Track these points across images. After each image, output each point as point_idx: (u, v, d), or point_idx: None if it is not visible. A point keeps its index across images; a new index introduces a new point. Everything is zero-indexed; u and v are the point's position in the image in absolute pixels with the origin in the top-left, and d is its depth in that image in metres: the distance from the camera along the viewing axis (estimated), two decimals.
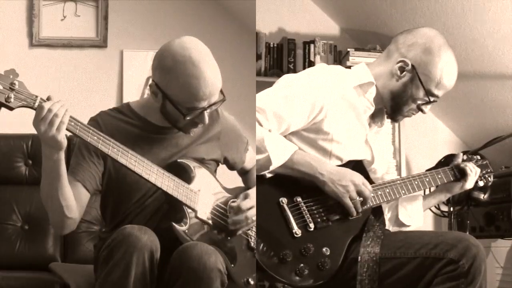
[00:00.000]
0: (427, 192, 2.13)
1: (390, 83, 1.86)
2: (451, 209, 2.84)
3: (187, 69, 1.68)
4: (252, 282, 1.88)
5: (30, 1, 3.35)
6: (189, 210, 1.79)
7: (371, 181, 1.85)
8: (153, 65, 1.76)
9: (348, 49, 3.53)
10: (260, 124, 1.71)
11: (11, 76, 1.50)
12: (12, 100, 1.48)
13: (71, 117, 1.56)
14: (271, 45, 3.54)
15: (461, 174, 2.03)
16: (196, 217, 1.81)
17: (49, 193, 1.64)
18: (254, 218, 1.84)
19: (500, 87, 3.30)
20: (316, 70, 1.86)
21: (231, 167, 2.09)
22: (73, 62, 3.37)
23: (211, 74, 1.70)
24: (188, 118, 1.73)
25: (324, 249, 1.69)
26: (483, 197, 2.41)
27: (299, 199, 1.73)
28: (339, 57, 3.61)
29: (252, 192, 1.86)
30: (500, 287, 3.14)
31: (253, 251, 1.90)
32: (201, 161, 1.90)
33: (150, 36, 3.39)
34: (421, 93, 1.84)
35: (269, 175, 1.72)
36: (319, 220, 1.72)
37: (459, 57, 3.15)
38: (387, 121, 1.98)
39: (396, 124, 3.48)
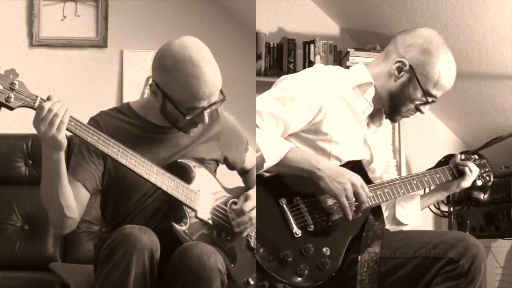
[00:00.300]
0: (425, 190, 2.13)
1: (388, 84, 1.86)
2: (451, 209, 2.84)
3: (187, 69, 1.68)
4: (252, 282, 1.88)
5: (30, 1, 3.36)
6: (189, 210, 1.79)
7: (370, 181, 1.85)
8: (153, 65, 1.76)
9: (348, 49, 3.53)
10: (258, 126, 1.71)
11: (11, 76, 1.50)
12: (12, 100, 1.48)
13: (71, 117, 1.56)
14: (271, 45, 3.54)
15: (460, 174, 2.04)
16: (196, 217, 1.81)
17: (49, 193, 1.64)
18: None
19: (500, 87, 3.30)
20: (314, 71, 1.86)
21: (231, 167, 2.09)
22: (73, 62, 3.37)
23: (211, 74, 1.70)
24: (188, 118, 1.73)
25: (324, 249, 1.70)
26: (483, 197, 2.41)
27: (299, 199, 1.73)
28: (339, 57, 3.61)
29: (253, 192, 1.86)
30: (500, 287, 3.14)
31: (253, 251, 1.90)
32: (201, 161, 1.90)
33: (150, 36, 3.39)
34: (419, 94, 1.83)
35: (267, 175, 1.72)
36: (319, 220, 1.72)
37: (459, 57, 3.17)
38: (387, 121, 1.98)
39: (396, 125, 3.48)
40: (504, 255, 3.16)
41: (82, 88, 3.33)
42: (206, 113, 1.75)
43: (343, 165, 1.81)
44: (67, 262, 2.67)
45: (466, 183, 2.03)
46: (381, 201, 1.83)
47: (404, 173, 3.46)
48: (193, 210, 1.80)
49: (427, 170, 2.02)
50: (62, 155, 1.59)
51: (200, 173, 1.87)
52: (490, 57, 3.16)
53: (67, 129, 1.55)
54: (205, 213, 1.84)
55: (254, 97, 1.77)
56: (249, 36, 3.41)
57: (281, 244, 1.65)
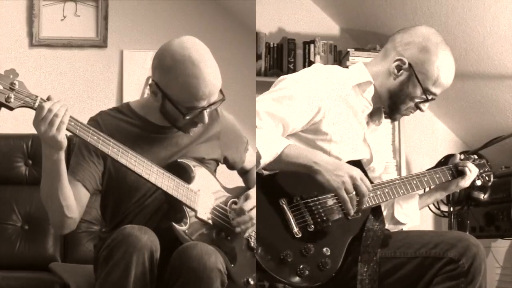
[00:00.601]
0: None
1: (388, 82, 1.86)
2: (451, 209, 2.84)
3: (186, 69, 1.68)
4: (252, 282, 1.88)
5: (30, 1, 3.36)
6: (189, 210, 1.79)
7: (370, 181, 1.84)
8: (153, 64, 1.76)
9: (348, 49, 3.53)
10: (257, 127, 1.71)
11: (11, 76, 1.49)
12: (12, 100, 1.48)
13: (71, 117, 1.56)
14: (271, 45, 3.54)
15: (459, 174, 2.04)
16: (196, 217, 1.81)
17: (49, 193, 1.64)
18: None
19: (500, 87, 3.30)
20: (313, 70, 1.86)
21: (231, 166, 2.09)
22: (73, 62, 3.37)
23: (210, 74, 1.70)
24: (187, 117, 1.73)
25: (324, 249, 1.70)
26: (483, 197, 2.41)
27: (299, 199, 1.73)
28: (339, 57, 3.61)
29: (253, 192, 1.86)
30: (498, 287, 3.14)
31: (253, 251, 1.90)
32: (201, 161, 1.90)
33: (150, 36, 3.39)
34: (418, 92, 1.84)
35: (266, 173, 1.72)
36: (319, 220, 1.72)
37: (459, 57, 3.17)
38: (387, 121, 1.98)
39: (396, 124, 3.48)
40: (504, 255, 3.16)
41: (82, 88, 3.33)
42: (205, 113, 1.75)
43: None
44: (67, 262, 2.67)
45: (465, 183, 2.03)
46: (381, 201, 1.83)
47: (404, 173, 3.46)
48: (193, 210, 1.80)
49: (427, 170, 2.02)
50: (62, 155, 1.59)
51: (200, 173, 1.87)
52: (490, 57, 3.16)
53: (67, 129, 1.55)
54: (205, 213, 1.84)
55: (254, 97, 1.77)
56: (249, 36, 3.41)
57: (281, 244, 1.65)
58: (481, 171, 2.13)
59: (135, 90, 3.40)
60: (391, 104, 1.89)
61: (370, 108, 1.89)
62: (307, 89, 1.77)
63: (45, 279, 2.28)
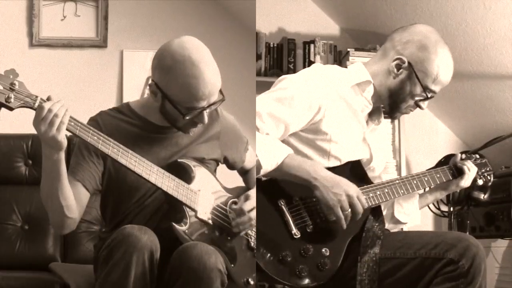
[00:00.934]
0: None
1: (388, 81, 1.87)
2: (451, 209, 2.84)
3: (186, 69, 1.68)
4: (252, 282, 1.88)
5: (30, 1, 3.35)
6: (189, 210, 1.79)
7: (370, 181, 1.85)
8: (153, 64, 1.76)
9: (348, 49, 3.53)
10: (258, 128, 1.71)
11: (11, 76, 1.50)
12: (12, 100, 1.48)
13: (71, 117, 1.56)
14: (271, 45, 3.54)
15: (460, 173, 2.04)
16: (196, 217, 1.81)
17: (49, 193, 1.64)
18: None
19: (500, 87, 3.30)
20: (313, 70, 1.86)
21: (231, 166, 2.09)
22: (73, 62, 3.37)
23: (210, 74, 1.70)
24: (187, 117, 1.73)
25: (323, 250, 1.70)
26: (483, 197, 2.41)
27: (297, 200, 1.73)
28: (339, 57, 3.61)
29: (253, 192, 1.86)
30: (497, 287, 3.14)
31: (253, 251, 1.90)
32: (201, 161, 1.90)
33: (150, 36, 3.39)
34: (418, 90, 1.85)
35: (265, 178, 1.72)
36: (318, 221, 1.72)
37: (459, 57, 3.17)
38: (387, 121, 1.98)
39: (396, 124, 3.48)
40: (502, 255, 3.16)
41: (82, 88, 3.33)
42: (205, 113, 1.75)
43: (342, 166, 1.81)
44: (67, 262, 2.67)
45: (465, 182, 2.03)
46: (381, 201, 1.83)
47: (404, 173, 3.46)
48: (193, 210, 1.80)
49: (427, 170, 2.02)
50: (62, 155, 1.59)
51: (200, 173, 1.87)
52: (490, 57, 3.16)
53: (67, 129, 1.55)
54: (205, 213, 1.84)
55: (254, 97, 1.77)
56: (249, 36, 3.41)
57: (280, 245, 1.65)
58: (483, 170, 2.14)
59: (135, 90, 3.40)
60: (391, 103, 1.89)
61: (369, 108, 1.89)
62: (308, 89, 1.77)
63: (45, 279, 2.28)
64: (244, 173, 2.14)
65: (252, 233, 1.93)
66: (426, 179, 1.97)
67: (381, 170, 2.01)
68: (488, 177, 2.16)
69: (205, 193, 1.86)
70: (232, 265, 1.84)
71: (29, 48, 3.35)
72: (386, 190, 1.85)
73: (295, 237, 1.68)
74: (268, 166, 1.66)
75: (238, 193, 1.97)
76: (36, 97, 1.53)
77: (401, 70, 1.84)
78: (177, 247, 1.67)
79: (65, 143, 1.56)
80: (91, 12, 3.41)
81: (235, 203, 1.93)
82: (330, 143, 1.81)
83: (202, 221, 1.82)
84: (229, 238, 1.88)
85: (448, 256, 1.66)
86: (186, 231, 1.75)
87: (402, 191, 1.89)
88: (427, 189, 2.07)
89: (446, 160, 2.14)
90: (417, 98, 1.86)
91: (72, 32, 3.38)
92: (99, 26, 3.40)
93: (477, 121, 3.66)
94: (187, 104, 1.72)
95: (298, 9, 3.76)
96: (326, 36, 3.68)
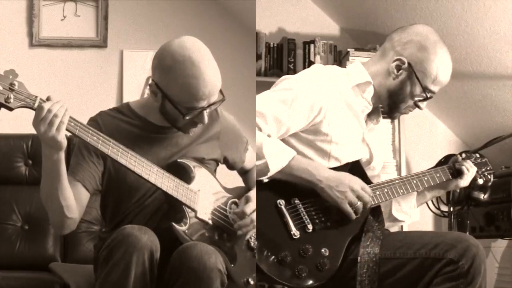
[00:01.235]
0: None
1: (387, 82, 1.87)
2: (451, 209, 2.84)
3: (186, 69, 1.68)
4: (252, 282, 1.88)
5: (30, 1, 3.35)
6: (189, 210, 1.79)
7: (369, 181, 1.85)
8: (153, 64, 1.76)
9: (348, 49, 3.53)
10: (260, 128, 1.71)
11: (11, 77, 1.50)
12: (11, 100, 1.48)
13: (70, 117, 1.56)
14: (271, 45, 3.53)
15: (459, 173, 2.04)
16: (196, 217, 1.81)
17: (49, 193, 1.64)
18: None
19: (499, 87, 3.30)
20: (313, 71, 1.86)
21: (231, 166, 2.09)
22: (73, 62, 3.37)
23: (210, 74, 1.70)
24: (187, 118, 1.73)
25: (323, 250, 1.70)
26: (483, 197, 2.41)
27: (297, 200, 1.73)
28: (339, 57, 3.61)
29: (253, 194, 1.86)
30: (496, 287, 3.14)
31: (253, 251, 1.90)
32: (201, 161, 1.90)
33: (150, 36, 3.39)
34: (418, 90, 1.85)
35: (266, 180, 1.72)
36: (317, 221, 1.72)
37: (459, 57, 3.17)
38: (387, 121, 1.99)
39: (396, 124, 3.48)
40: (501, 254, 3.16)
41: (82, 88, 3.33)
42: (205, 113, 1.75)
43: (341, 167, 1.81)
44: (67, 262, 2.67)
45: (464, 182, 2.03)
46: (380, 201, 1.83)
47: (404, 173, 3.46)
48: (193, 210, 1.80)
49: (427, 169, 2.02)
50: (62, 155, 1.59)
51: (200, 173, 1.87)
52: (490, 57, 3.16)
53: (66, 129, 1.55)
54: (205, 213, 1.84)
55: (254, 97, 1.77)
56: (249, 36, 3.41)
57: (279, 245, 1.65)
58: (483, 169, 2.14)
59: (135, 90, 3.40)
60: (390, 103, 1.90)
61: (369, 108, 1.89)
62: (311, 91, 1.78)
63: (45, 279, 2.28)
64: (244, 173, 2.14)
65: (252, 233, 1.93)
66: (426, 178, 1.97)
67: (380, 168, 2.02)
68: (489, 176, 2.16)
69: (205, 193, 1.86)
70: (232, 265, 1.84)
71: (29, 48, 3.35)
72: (386, 190, 1.85)
73: (294, 237, 1.68)
74: (275, 168, 1.68)
75: (238, 193, 1.97)
76: (36, 97, 1.53)
77: (401, 71, 1.85)
78: (177, 247, 1.67)
79: (65, 143, 1.56)
80: (91, 12, 3.41)
81: (235, 203, 1.94)
82: (330, 144, 1.81)
83: (202, 221, 1.82)
84: (229, 238, 1.88)
85: (448, 256, 1.66)
86: (186, 231, 1.75)
87: (402, 191, 1.89)
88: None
89: (446, 160, 2.15)
90: (416, 99, 1.87)
91: (72, 32, 3.38)
92: (99, 26, 3.40)
93: (477, 121, 3.66)
94: (187, 104, 1.72)
95: (298, 9, 3.76)
96: (326, 36, 3.68)
